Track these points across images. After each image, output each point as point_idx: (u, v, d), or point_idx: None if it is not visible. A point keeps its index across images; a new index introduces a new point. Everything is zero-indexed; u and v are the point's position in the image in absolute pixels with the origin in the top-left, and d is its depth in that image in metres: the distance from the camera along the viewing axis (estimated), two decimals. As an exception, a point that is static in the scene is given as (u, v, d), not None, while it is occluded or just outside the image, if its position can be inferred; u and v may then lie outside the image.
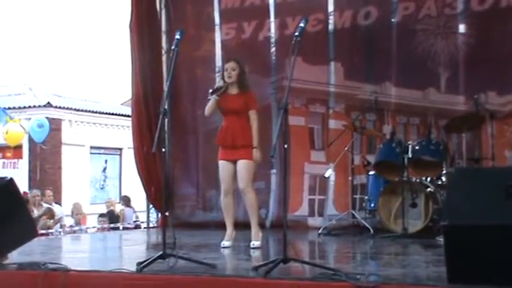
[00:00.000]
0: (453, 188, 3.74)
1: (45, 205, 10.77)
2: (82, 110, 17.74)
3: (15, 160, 16.89)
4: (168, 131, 7.45)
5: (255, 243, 5.47)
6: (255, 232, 5.55)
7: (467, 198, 3.49)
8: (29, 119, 15.75)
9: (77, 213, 11.08)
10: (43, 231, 8.71)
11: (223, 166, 5.57)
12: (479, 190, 3.51)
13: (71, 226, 10.71)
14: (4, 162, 17.11)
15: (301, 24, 4.42)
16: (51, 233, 9.47)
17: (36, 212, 9.94)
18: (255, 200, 5.66)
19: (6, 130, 14.39)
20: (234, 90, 5.56)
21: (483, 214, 3.38)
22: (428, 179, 6.55)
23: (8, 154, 16.84)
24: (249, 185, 5.52)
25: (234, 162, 5.52)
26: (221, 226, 6.06)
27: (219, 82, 5.67)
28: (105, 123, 18.32)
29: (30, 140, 15.51)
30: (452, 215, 3.45)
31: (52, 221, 10.03)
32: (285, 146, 4.22)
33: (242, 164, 5.47)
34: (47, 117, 15.84)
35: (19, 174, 15.63)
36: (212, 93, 5.63)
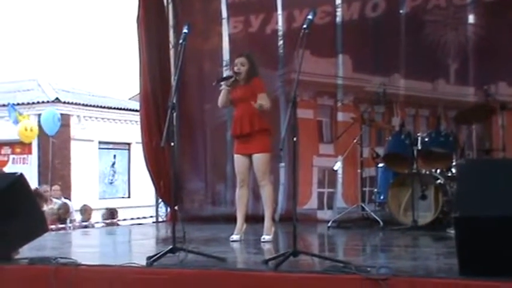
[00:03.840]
0: (464, 180, 3.71)
1: (56, 200, 10.82)
2: (90, 105, 17.77)
3: (25, 156, 16.96)
4: (176, 125, 7.45)
5: (266, 237, 5.44)
6: (268, 226, 5.52)
7: (478, 189, 3.46)
8: (38, 114, 15.77)
9: (87, 213, 11.14)
10: (53, 226, 8.73)
11: (239, 160, 5.58)
12: (490, 181, 3.49)
13: (83, 221, 10.73)
14: (14, 158, 17.18)
15: (310, 17, 4.40)
16: (63, 228, 9.51)
17: (45, 207, 9.98)
18: (272, 192, 5.69)
19: (30, 127, 14.40)
20: (242, 82, 5.58)
21: (494, 205, 3.36)
22: (438, 170, 6.51)
23: (18, 150, 16.92)
24: (266, 178, 5.53)
25: (249, 155, 5.51)
26: (230, 220, 6.06)
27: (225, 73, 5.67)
28: (113, 118, 18.35)
29: (40, 135, 15.54)
30: (464, 206, 3.43)
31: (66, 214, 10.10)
32: (294, 139, 4.21)
33: (258, 158, 5.47)
34: (54, 113, 15.87)
35: (29, 169, 15.68)
36: (218, 81, 5.64)
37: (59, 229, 9.04)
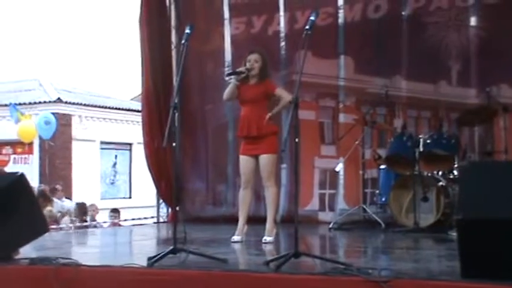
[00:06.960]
0: (466, 182, 3.70)
1: (57, 200, 10.83)
2: (92, 106, 17.78)
3: (26, 156, 16.97)
4: (178, 126, 7.44)
5: (267, 238, 5.42)
6: (270, 228, 5.48)
7: (480, 192, 3.45)
8: (39, 114, 15.80)
9: (93, 210, 11.15)
10: (54, 226, 8.73)
11: (244, 161, 5.52)
12: (492, 184, 3.47)
13: (91, 220, 10.75)
14: (15, 158, 17.19)
15: (312, 18, 4.39)
16: (62, 227, 9.51)
17: (49, 208, 9.99)
18: (277, 194, 5.65)
19: (29, 127, 14.43)
20: (253, 81, 5.54)
21: (497, 208, 3.35)
22: (440, 172, 6.51)
23: (19, 150, 16.93)
24: (272, 179, 5.49)
25: (256, 156, 5.47)
26: (231, 221, 6.05)
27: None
28: (115, 118, 18.36)
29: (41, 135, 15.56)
30: (466, 208, 3.41)
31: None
32: (296, 140, 4.20)
33: (265, 159, 5.43)
34: (56, 113, 15.89)
35: (30, 169, 15.69)
36: (230, 75, 5.62)
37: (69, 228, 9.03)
